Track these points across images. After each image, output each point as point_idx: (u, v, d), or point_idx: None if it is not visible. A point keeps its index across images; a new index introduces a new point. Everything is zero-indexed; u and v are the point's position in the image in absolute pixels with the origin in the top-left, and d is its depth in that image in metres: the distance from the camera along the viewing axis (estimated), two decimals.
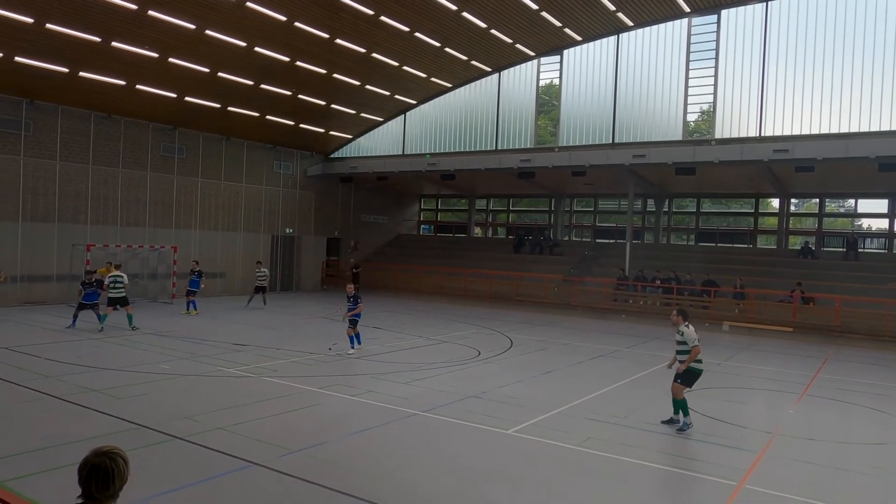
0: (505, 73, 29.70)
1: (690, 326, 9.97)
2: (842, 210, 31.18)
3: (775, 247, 29.34)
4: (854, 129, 22.29)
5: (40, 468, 7.21)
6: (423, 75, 28.41)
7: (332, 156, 34.10)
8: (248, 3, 20.01)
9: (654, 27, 26.00)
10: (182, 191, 27.32)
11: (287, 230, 32.10)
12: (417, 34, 24.05)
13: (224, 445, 8.25)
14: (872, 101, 22.14)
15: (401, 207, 39.97)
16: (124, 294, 17.96)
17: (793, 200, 30.51)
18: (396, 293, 30.97)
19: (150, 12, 19.30)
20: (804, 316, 22.13)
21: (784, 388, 13.76)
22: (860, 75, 22.32)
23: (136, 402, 10.28)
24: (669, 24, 25.73)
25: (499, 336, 19.52)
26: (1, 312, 20.00)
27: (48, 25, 18.90)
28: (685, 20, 25.49)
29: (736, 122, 24.63)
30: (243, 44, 22.24)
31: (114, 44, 20.50)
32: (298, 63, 24.38)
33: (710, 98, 25.28)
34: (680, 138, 25.54)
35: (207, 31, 21.03)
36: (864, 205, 29.45)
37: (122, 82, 22.72)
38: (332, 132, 31.99)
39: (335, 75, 26.06)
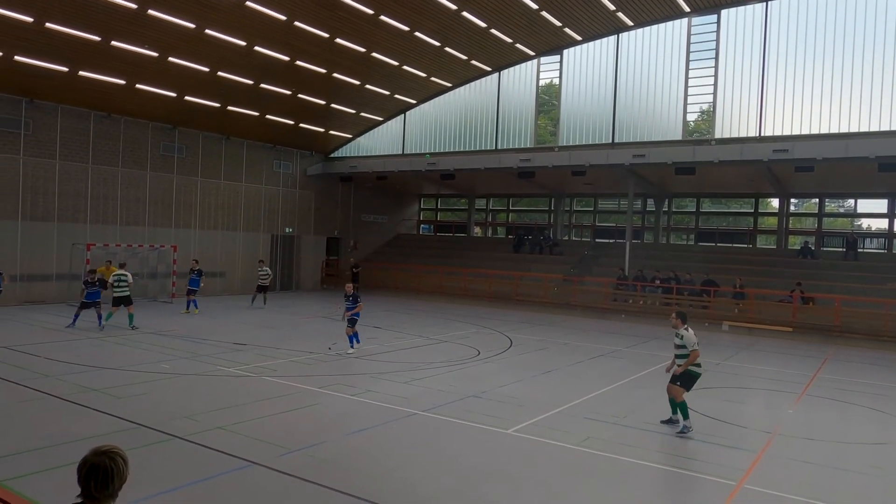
0: (505, 72, 29.70)
1: (690, 330, 9.93)
2: (841, 210, 31.19)
3: (775, 247, 29.35)
4: (854, 129, 22.30)
5: (40, 467, 7.21)
6: (423, 75, 28.41)
7: (331, 155, 34.09)
8: (248, 3, 20.00)
9: (654, 27, 26.00)
10: (182, 190, 27.31)
11: (287, 229, 32.10)
12: (417, 34, 24.05)
13: (224, 445, 8.25)
14: (872, 100, 22.14)
15: (400, 207, 39.97)
16: (128, 293, 18.01)
17: (792, 200, 30.51)
18: (396, 293, 30.97)
19: (150, 11, 19.29)
20: (804, 316, 22.14)
21: (783, 387, 13.77)
22: (860, 75, 22.32)
23: (136, 401, 10.28)
24: (669, 23, 25.74)
25: (498, 336, 19.53)
26: (1, 312, 19.99)
27: (48, 24, 18.90)
28: (685, 20, 25.49)
29: (736, 122, 24.64)
30: (243, 43, 22.24)
31: (113, 43, 20.49)
32: (298, 62, 24.37)
33: (710, 98, 25.29)
34: (680, 138, 25.54)
35: (207, 31, 21.03)
36: (864, 205, 29.46)
37: (122, 81, 22.71)
38: (331, 132, 31.98)
39: (335, 75, 26.06)
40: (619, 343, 19.23)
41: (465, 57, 27.45)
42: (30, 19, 18.49)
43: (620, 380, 13.71)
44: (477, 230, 39.25)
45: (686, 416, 9.59)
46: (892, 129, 21.63)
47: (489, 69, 29.43)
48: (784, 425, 10.62)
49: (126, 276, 18.19)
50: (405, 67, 27.07)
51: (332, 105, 28.93)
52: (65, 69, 21.25)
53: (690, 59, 25.58)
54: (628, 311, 25.24)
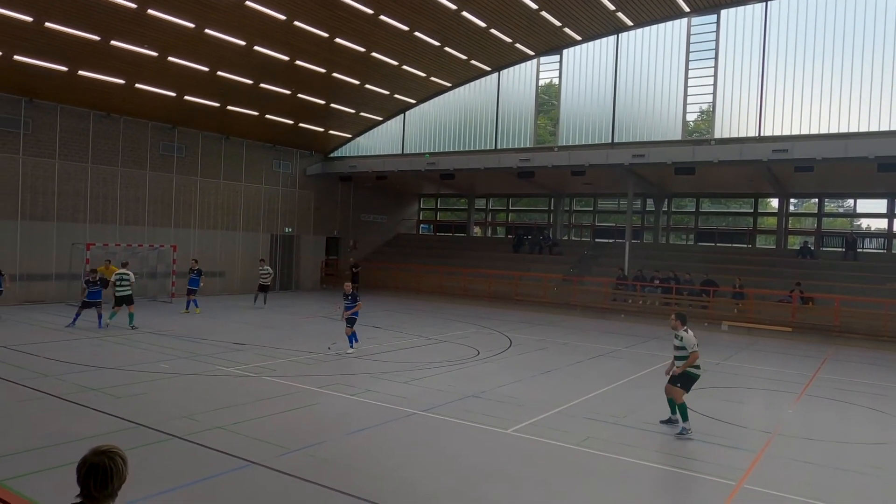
0: (504, 72, 29.70)
1: (689, 331, 9.89)
2: (841, 210, 31.20)
3: (774, 247, 29.36)
4: (853, 129, 22.31)
5: (39, 467, 7.21)
6: (423, 75, 28.41)
7: (331, 155, 34.09)
8: (248, 2, 19.99)
9: (654, 27, 26.01)
10: (181, 190, 27.30)
11: (286, 229, 32.09)
12: (417, 33, 24.05)
13: (223, 444, 8.25)
14: (872, 100, 22.15)
15: (400, 207, 39.96)
16: (130, 292, 18.08)
17: (792, 200, 30.52)
18: (395, 292, 30.97)
19: (150, 11, 19.28)
20: (803, 316, 22.14)
21: (783, 387, 13.77)
22: (859, 75, 22.33)
23: (136, 401, 10.28)
24: (669, 23, 25.74)
25: (498, 335, 19.52)
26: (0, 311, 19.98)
27: (47, 24, 18.88)
28: (685, 20, 25.50)
29: (735, 122, 24.65)
30: (243, 43, 22.23)
31: (113, 43, 20.48)
32: (298, 62, 24.37)
33: (710, 98, 25.30)
34: (679, 138, 25.55)
35: (207, 30, 21.02)
36: (863, 205, 29.47)
37: (122, 81, 22.70)
38: (331, 131, 31.98)
39: (334, 74, 26.05)
40: (619, 343, 19.23)
41: (464, 57, 27.45)
42: (29, 19, 18.48)
43: (620, 380, 13.71)
44: (476, 230, 39.25)
45: (685, 419, 9.55)
46: (892, 129, 21.64)
47: (489, 69, 29.43)
48: (784, 425, 10.62)
49: (128, 275, 18.25)
50: (405, 67, 27.07)
51: (332, 105, 28.92)
52: (64, 69, 21.24)
53: (690, 59, 25.59)
54: (628, 310, 25.24)
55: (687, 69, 25.66)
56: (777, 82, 23.81)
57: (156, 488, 6.75)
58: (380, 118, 32.11)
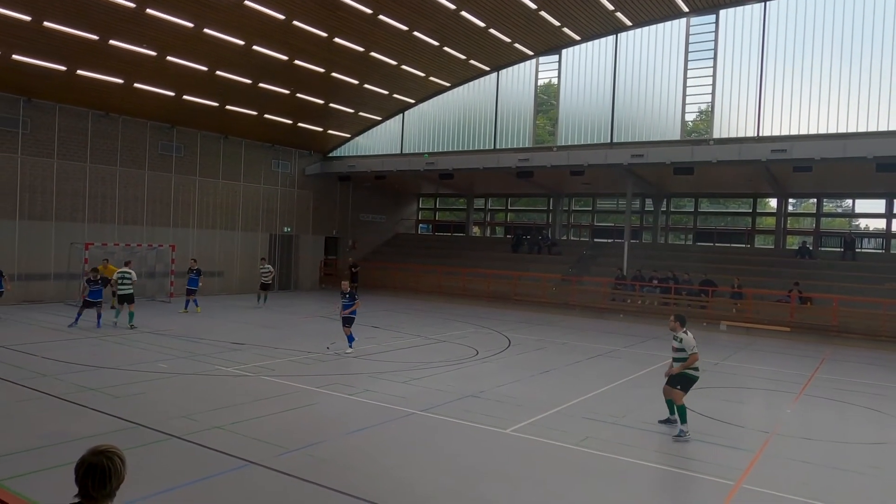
0: (503, 72, 29.70)
1: (689, 333, 9.84)
2: (839, 210, 31.21)
3: (773, 246, 29.39)
4: (852, 130, 22.33)
5: (38, 467, 7.20)
6: (422, 74, 28.40)
7: (330, 155, 34.07)
8: (247, 2, 19.98)
9: (653, 27, 26.02)
10: (180, 189, 27.27)
11: (285, 229, 32.08)
12: (416, 33, 24.04)
13: (222, 444, 8.24)
14: (870, 101, 22.17)
15: (399, 206, 39.95)
16: (131, 291, 18.15)
17: (790, 200, 30.53)
18: (394, 292, 30.97)
19: (149, 10, 19.26)
20: (801, 316, 22.16)
21: (781, 387, 13.78)
22: (858, 75, 22.35)
23: (134, 400, 10.27)
24: (668, 23, 25.75)
25: (497, 335, 19.53)
26: None
27: (46, 23, 18.86)
28: (684, 20, 25.51)
29: (734, 122, 24.66)
30: (241, 42, 22.21)
31: (112, 42, 20.46)
32: (297, 62, 24.35)
33: (709, 98, 25.31)
34: (678, 138, 25.56)
35: (206, 30, 21.00)
36: (862, 205, 29.48)
37: (120, 81, 22.68)
38: (330, 131, 31.96)
39: (333, 74, 26.04)
40: (618, 343, 19.24)
41: (463, 56, 27.44)
42: (28, 18, 18.45)
43: (618, 379, 13.72)
44: (475, 230, 39.25)
45: (684, 421, 9.50)
46: (890, 129, 21.66)
47: (488, 69, 29.43)
48: (782, 425, 10.64)
49: (130, 273, 18.32)
50: (404, 67, 27.06)
51: (331, 104, 28.91)
52: (63, 68, 21.22)
53: (689, 59, 25.61)
54: (626, 310, 25.26)
55: (686, 69, 25.68)
56: (776, 82, 23.83)
57: (154, 488, 6.74)
58: (379, 118, 32.10)
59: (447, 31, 24.66)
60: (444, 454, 8.46)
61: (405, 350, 16.24)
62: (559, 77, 28.54)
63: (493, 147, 29.81)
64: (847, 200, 30.39)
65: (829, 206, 30.79)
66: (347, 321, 15.56)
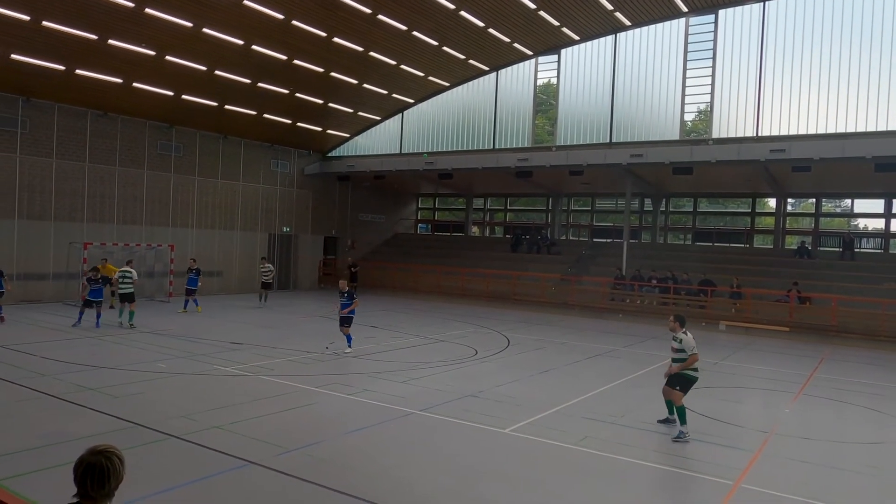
0: (503, 72, 29.70)
1: (688, 333, 9.83)
2: (838, 210, 31.24)
3: (772, 246, 29.41)
4: (851, 129, 22.34)
5: (36, 467, 7.20)
6: (421, 74, 28.39)
7: (329, 154, 34.06)
8: (246, 2, 19.96)
9: (652, 27, 26.03)
10: (179, 189, 27.25)
11: (284, 229, 32.06)
12: (415, 33, 24.04)
13: (221, 444, 8.24)
14: (869, 101, 22.19)
15: (398, 206, 39.94)
16: (132, 290, 18.19)
17: (789, 200, 30.55)
18: (394, 292, 30.96)
19: (147, 10, 19.25)
20: (800, 315, 22.18)
21: (780, 387, 13.79)
22: (857, 75, 22.37)
23: (133, 400, 10.26)
24: (667, 23, 25.76)
25: (496, 335, 19.53)
26: None
27: (45, 23, 18.84)
28: (682, 20, 25.52)
29: (733, 122, 24.67)
30: (240, 42, 22.20)
31: (111, 42, 20.44)
32: (296, 61, 24.34)
33: (708, 98, 25.32)
34: (677, 138, 25.57)
35: (205, 29, 20.98)
36: (861, 205, 29.50)
37: (119, 80, 22.66)
38: (329, 131, 31.95)
39: (333, 74, 26.03)
40: (617, 342, 19.24)
41: (462, 56, 27.44)
42: (27, 17, 18.44)
43: (618, 379, 13.72)
44: (475, 230, 39.26)
45: (683, 422, 9.47)
46: (889, 129, 21.68)
47: (487, 69, 29.43)
48: (781, 425, 10.64)
49: (131, 272, 18.39)
50: (403, 67, 27.06)
51: (330, 104, 28.90)
52: (61, 68, 21.19)
53: (688, 59, 25.62)
54: (625, 310, 25.26)
55: (685, 69, 25.69)
56: (775, 82, 23.84)
57: (153, 488, 6.74)
58: (378, 118, 32.09)
59: (446, 31, 24.66)
60: (444, 454, 8.46)
61: (404, 350, 16.24)
62: (558, 77, 28.54)
63: (492, 147, 29.81)
64: (846, 200, 30.42)
65: (827, 206, 30.82)
66: (346, 321, 15.56)
